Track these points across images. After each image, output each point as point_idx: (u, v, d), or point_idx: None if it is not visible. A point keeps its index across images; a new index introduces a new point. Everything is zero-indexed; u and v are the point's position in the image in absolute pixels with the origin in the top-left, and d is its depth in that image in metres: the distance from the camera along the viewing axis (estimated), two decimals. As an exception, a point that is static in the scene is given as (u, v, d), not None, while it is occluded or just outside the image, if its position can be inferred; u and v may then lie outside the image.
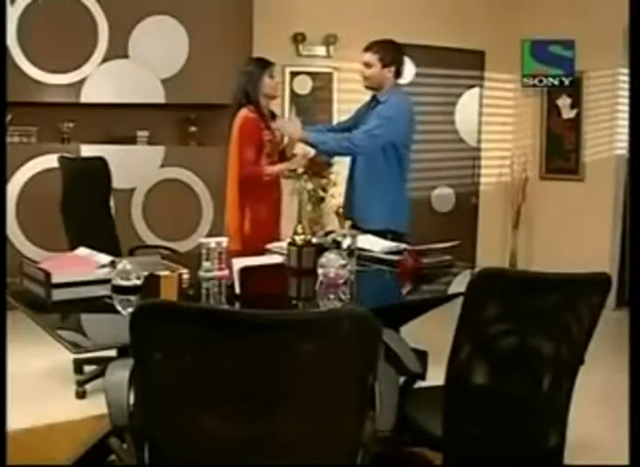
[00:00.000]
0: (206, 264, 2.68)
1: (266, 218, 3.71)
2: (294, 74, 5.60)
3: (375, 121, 3.54)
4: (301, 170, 3.63)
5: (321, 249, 2.77)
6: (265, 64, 3.70)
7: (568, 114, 5.96)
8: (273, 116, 3.82)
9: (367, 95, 6.14)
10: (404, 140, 3.63)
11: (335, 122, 5.63)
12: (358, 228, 3.32)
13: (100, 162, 3.82)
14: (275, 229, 3.76)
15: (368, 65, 3.65)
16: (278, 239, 3.55)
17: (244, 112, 3.63)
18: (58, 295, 2.46)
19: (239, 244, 3.57)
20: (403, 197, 3.75)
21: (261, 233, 3.60)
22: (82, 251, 2.83)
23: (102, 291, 2.41)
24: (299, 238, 2.84)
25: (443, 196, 6.33)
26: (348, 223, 3.44)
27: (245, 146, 3.61)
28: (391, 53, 3.65)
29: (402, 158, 3.64)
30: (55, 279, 2.48)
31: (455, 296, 2.57)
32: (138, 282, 2.36)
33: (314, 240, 2.91)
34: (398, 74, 3.72)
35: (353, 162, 3.75)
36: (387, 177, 3.63)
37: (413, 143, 3.81)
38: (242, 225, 3.66)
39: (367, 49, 3.68)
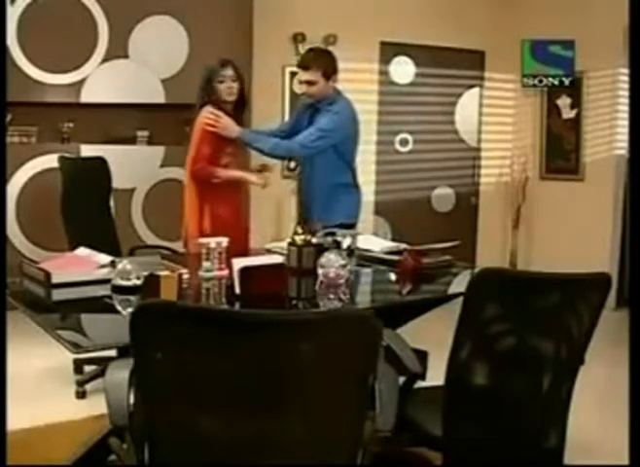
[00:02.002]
0: (206, 264, 2.68)
1: (227, 220, 3.56)
2: (294, 74, 5.59)
3: (316, 132, 3.52)
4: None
5: (321, 249, 2.77)
6: (219, 65, 3.56)
7: (568, 114, 5.96)
8: (239, 114, 3.69)
9: (367, 95, 6.17)
10: (347, 145, 3.65)
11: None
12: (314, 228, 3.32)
13: (100, 162, 3.82)
14: (240, 231, 3.62)
15: (311, 83, 3.56)
16: (246, 244, 3.54)
17: (206, 109, 3.55)
18: (58, 295, 2.46)
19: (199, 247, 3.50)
20: (352, 190, 3.77)
21: (223, 235, 3.47)
22: (82, 251, 2.83)
23: (102, 291, 2.41)
24: (299, 238, 2.84)
25: (443, 196, 6.33)
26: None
27: (203, 142, 3.54)
28: (331, 63, 3.60)
29: (347, 157, 3.69)
30: (55, 279, 2.48)
31: (455, 296, 2.57)
32: (138, 282, 2.36)
33: (314, 240, 2.91)
34: (337, 78, 3.66)
35: (302, 167, 3.81)
36: (335, 176, 3.66)
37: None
38: (202, 226, 3.56)
39: (305, 67, 3.57)
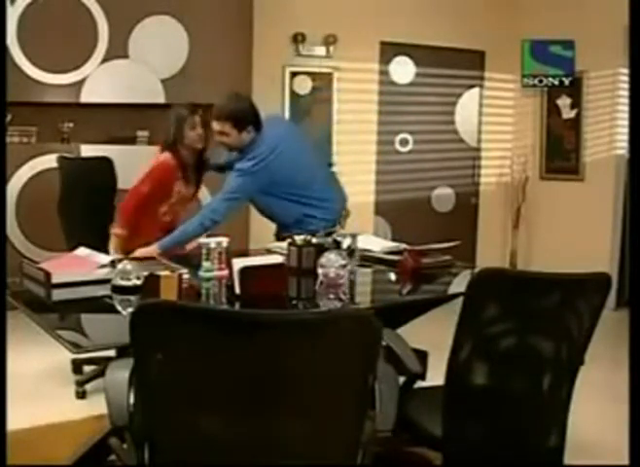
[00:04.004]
0: (206, 264, 2.68)
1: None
2: (294, 74, 5.60)
3: (224, 195, 3.26)
4: None
5: (321, 249, 2.77)
6: (189, 113, 3.39)
7: (568, 114, 5.96)
8: (202, 164, 3.53)
9: (367, 95, 6.15)
10: (284, 184, 3.30)
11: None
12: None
13: (105, 162, 3.84)
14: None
15: (222, 134, 3.27)
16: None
17: (164, 155, 3.39)
18: (58, 295, 2.46)
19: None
20: (310, 220, 3.36)
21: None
22: (82, 251, 2.83)
23: (102, 291, 2.41)
24: (299, 238, 2.84)
25: (443, 196, 6.33)
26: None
27: (146, 181, 3.38)
28: (244, 114, 3.25)
29: (298, 191, 3.35)
30: (55, 279, 2.48)
31: (455, 296, 2.57)
32: (138, 282, 2.36)
33: (314, 240, 2.91)
34: (258, 127, 3.30)
35: (254, 204, 3.50)
36: (290, 212, 3.37)
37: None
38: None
39: (217, 117, 3.25)
